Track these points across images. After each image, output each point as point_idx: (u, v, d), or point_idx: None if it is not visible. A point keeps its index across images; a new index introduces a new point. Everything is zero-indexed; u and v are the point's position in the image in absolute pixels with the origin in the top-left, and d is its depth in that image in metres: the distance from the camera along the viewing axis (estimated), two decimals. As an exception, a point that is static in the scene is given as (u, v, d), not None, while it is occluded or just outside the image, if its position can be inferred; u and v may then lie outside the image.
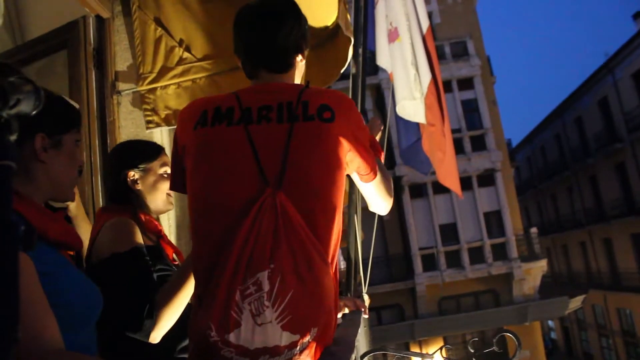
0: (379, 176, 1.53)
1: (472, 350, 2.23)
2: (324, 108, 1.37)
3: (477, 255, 17.89)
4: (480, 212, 18.09)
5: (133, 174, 1.90)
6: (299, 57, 1.54)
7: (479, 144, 18.66)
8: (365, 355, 2.29)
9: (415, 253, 18.04)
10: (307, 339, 1.20)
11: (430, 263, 17.91)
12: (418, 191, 18.47)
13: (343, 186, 1.37)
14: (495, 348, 2.31)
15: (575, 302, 19.36)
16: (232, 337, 1.20)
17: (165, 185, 1.93)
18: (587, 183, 28.18)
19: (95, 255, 1.72)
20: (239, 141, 1.34)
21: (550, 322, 34.92)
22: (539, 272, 18.16)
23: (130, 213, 1.82)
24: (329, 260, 1.29)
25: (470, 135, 18.68)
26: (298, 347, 1.20)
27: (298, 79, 1.58)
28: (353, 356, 1.41)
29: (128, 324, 1.53)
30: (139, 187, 1.91)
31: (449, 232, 18.04)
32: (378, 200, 1.63)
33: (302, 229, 1.24)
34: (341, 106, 1.40)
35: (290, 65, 1.52)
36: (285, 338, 1.19)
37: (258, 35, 1.48)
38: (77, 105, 1.47)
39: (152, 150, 1.99)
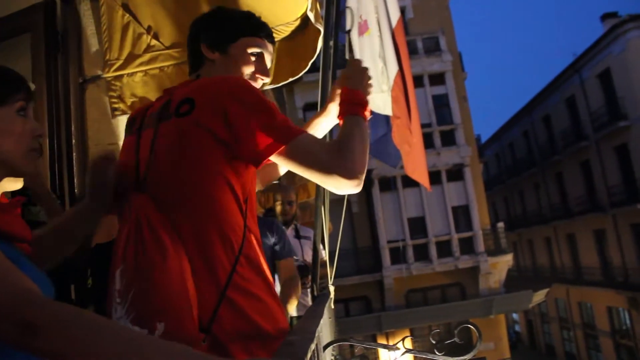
0: (288, 152, 1.35)
1: (433, 342, 2.27)
2: (183, 102, 1.39)
3: (444, 248, 18.12)
4: (449, 207, 18.31)
5: None
6: (210, 50, 1.59)
7: (448, 139, 18.86)
8: (329, 346, 2.31)
9: (384, 246, 18.18)
10: (156, 332, 1.19)
11: (398, 256, 18.07)
12: (387, 184, 18.59)
13: (222, 175, 1.34)
14: (456, 339, 2.35)
15: (539, 296, 19.77)
16: None
17: None
18: (554, 180, 28.75)
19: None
20: (130, 149, 1.47)
21: (514, 315, 35.61)
22: (505, 266, 18.48)
23: None
24: (209, 248, 1.30)
25: (441, 130, 18.86)
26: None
27: (234, 72, 1.59)
28: (313, 345, 1.41)
29: None
30: None
31: (418, 226, 18.22)
32: (312, 177, 1.39)
33: (150, 229, 1.28)
34: (204, 95, 1.38)
35: (197, 60, 1.62)
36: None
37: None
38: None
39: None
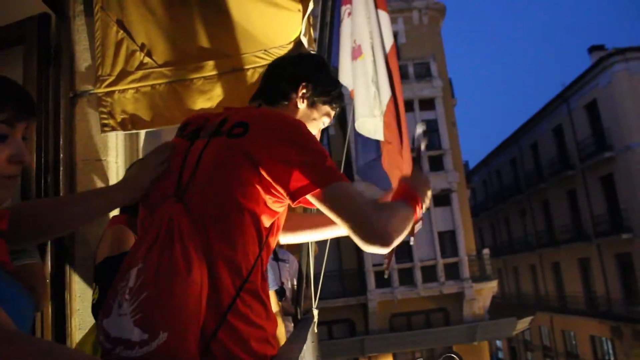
0: (322, 198, 1.37)
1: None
2: (238, 125, 1.43)
3: (429, 273, 18.10)
4: (435, 232, 18.33)
5: None
6: (302, 99, 1.66)
7: (437, 164, 18.96)
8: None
9: (369, 269, 18.13)
10: (156, 341, 1.19)
11: (383, 280, 18.01)
12: (375, 207, 18.54)
13: (252, 204, 1.36)
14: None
15: (523, 323, 19.77)
16: (104, 322, 1.27)
17: None
18: (540, 207, 28.96)
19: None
20: (179, 153, 1.51)
21: (498, 342, 35.53)
22: (490, 293, 18.49)
23: (129, 222, 2.03)
24: (220, 270, 1.31)
25: (429, 155, 18.96)
26: (149, 347, 1.19)
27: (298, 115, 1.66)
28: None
29: None
30: None
31: (403, 250, 18.19)
32: (346, 224, 1.37)
33: (181, 239, 1.29)
34: (259, 123, 1.42)
35: (276, 95, 1.67)
36: (136, 334, 1.20)
37: None
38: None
39: None
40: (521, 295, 32.22)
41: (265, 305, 1.40)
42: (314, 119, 1.68)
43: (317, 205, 1.39)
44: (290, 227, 1.81)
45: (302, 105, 1.65)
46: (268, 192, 1.37)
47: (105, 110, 2.78)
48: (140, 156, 3.01)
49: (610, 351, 23.28)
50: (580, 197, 24.70)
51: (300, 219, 1.88)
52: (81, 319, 2.64)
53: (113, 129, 2.78)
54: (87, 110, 2.85)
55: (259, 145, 1.36)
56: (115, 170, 2.90)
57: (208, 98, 2.82)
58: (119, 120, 2.78)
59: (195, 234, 1.31)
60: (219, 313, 1.29)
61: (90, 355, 0.85)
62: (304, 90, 1.64)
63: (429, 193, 1.76)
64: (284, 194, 1.37)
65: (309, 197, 1.37)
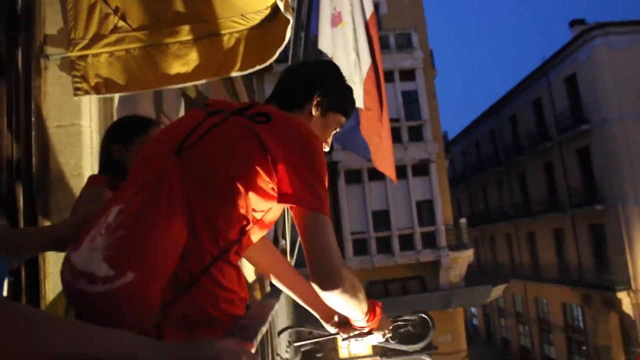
0: (311, 220, 1.42)
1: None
2: (263, 114, 1.46)
3: (407, 242, 18.32)
4: (413, 201, 18.48)
5: (117, 148, 2.10)
6: (316, 107, 1.69)
7: (416, 134, 19.01)
8: (283, 332, 2.35)
9: (347, 237, 18.27)
10: (121, 280, 1.19)
11: (361, 248, 18.19)
12: (353, 177, 18.66)
13: (246, 178, 1.38)
14: (410, 328, 2.39)
15: (497, 291, 20.18)
16: (72, 255, 1.28)
17: None
18: (517, 179, 29.32)
19: None
20: (193, 119, 1.51)
21: (473, 309, 36.32)
22: (466, 261, 18.80)
23: (111, 183, 2.01)
24: (200, 231, 1.32)
25: (409, 125, 18.99)
26: (112, 285, 1.19)
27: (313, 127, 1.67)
28: (264, 329, 1.43)
29: None
30: (122, 159, 2.09)
31: (381, 219, 18.36)
32: (308, 252, 1.43)
33: (170, 194, 1.30)
34: (282, 122, 1.46)
35: (291, 101, 1.70)
36: (103, 269, 1.20)
37: None
38: None
39: (139, 126, 2.17)
40: (497, 264, 32.84)
41: (238, 270, 1.41)
42: (327, 127, 1.72)
43: (295, 218, 1.45)
44: (275, 272, 1.86)
45: (316, 114, 1.68)
46: (265, 181, 1.39)
47: (78, 74, 2.74)
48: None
49: (580, 317, 23.98)
50: (557, 169, 25.05)
51: (287, 276, 1.89)
52: (55, 282, 2.64)
53: (86, 92, 2.75)
54: (59, 74, 2.81)
55: (277, 138, 1.40)
56: (89, 134, 2.88)
57: (184, 63, 2.80)
58: (92, 84, 2.75)
59: (184, 190, 1.33)
60: (191, 272, 1.30)
61: (122, 332, 0.86)
62: (319, 99, 1.67)
63: (386, 332, 1.85)
64: (275, 190, 1.41)
65: (292, 209, 1.44)
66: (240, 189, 1.36)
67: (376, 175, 17.22)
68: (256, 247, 1.66)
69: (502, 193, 31.55)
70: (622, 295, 20.29)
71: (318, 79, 1.70)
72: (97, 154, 2.82)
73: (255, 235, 1.48)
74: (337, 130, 1.78)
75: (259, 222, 1.46)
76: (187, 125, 1.49)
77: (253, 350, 1.12)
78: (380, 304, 1.81)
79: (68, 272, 1.27)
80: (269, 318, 1.60)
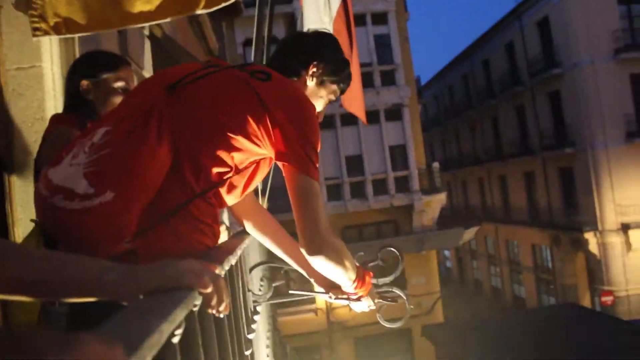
0: (299, 181, 1.47)
1: (357, 264, 2.34)
2: (263, 72, 1.49)
3: (380, 186, 18.48)
4: (386, 146, 18.54)
5: (86, 84, 1.98)
6: (312, 76, 1.71)
7: (388, 79, 18.91)
8: (254, 268, 2.39)
9: (321, 183, 18.33)
10: (100, 198, 1.20)
11: (335, 193, 18.31)
12: (326, 122, 18.56)
13: (235, 126, 1.39)
14: (380, 262, 2.43)
15: (469, 234, 20.64)
16: (50, 171, 1.28)
17: (117, 100, 1.97)
18: (489, 123, 29.56)
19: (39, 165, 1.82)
20: (188, 68, 1.52)
21: (446, 252, 37.19)
22: (438, 205, 19.10)
23: (78, 123, 1.90)
24: (184, 164, 1.34)
25: (381, 70, 18.86)
26: (90, 202, 1.20)
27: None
28: (233, 260, 1.46)
29: None
30: (91, 97, 1.98)
31: (355, 164, 18.43)
32: (297, 211, 1.49)
33: (158, 124, 1.31)
34: (283, 84, 1.49)
35: (286, 68, 1.70)
36: (82, 186, 1.20)
37: None
38: None
39: (110, 62, 2.05)
40: (469, 208, 33.45)
41: (214, 211, 1.45)
42: (321, 97, 1.74)
43: (287, 180, 1.48)
44: (259, 223, 1.89)
45: (311, 83, 1.71)
46: (256, 135, 1.41)
47: (35, 14, 2.64)
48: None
49: (549, 258, 24.75)
50: (528, 112, 25.28)
51: (270, 227, 1.92)
52: (25, 228, 2.63)
53: (46, 33, 2.65)
54: (15, 13, 2.71)
55: (276, 98, 1.43)
56: (51, 77, 2.81)
57: (146, 1, 2.71)
58: (51, 24, 2.65)
59: (172, 124, 1.34)
60: (170, 203, 1.32)
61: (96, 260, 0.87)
62: (315, 69, 1.69)
63: (374, 300, 1.90)
64: (269, 148, 1.44)
65: (284, 169, 1.48)
66: (228, 135, 1.37)
67: (349, 120, 17.21)
68: (253, 211, 1.80)
69: (474, 137, 31.83)
70: (589, 236, 20.91)
71: (316, 48, 1.73)
72: (60, 97, 2.75)
73: (236, 190, 1.50)
74: (332, 100, 1.81)
75: (241, 174, 1.47)
76: (184, 69, 1.50)
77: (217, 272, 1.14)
78: (371, 274, 1.88)
79: (44, 188, 1.25)
80: (239, 251, 1.63)
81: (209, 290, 0.84)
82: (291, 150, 1.43)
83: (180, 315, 0.74)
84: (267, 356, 3.49)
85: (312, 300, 17.94)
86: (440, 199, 19.00)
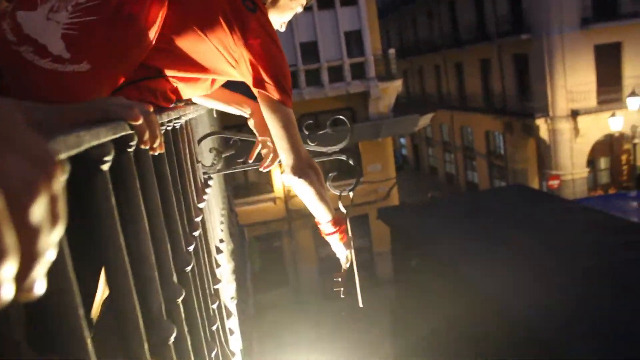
0: (269, 102, 1.56)
1: (306, 132, 2.38)
2: (251, 2, 1.51)
3: (336, 74, 18.25)
4: (341, 31, 18.10)
5: None
6: None
7: (343, -40, 18.14)
8: (203, 139, 2.41)
9: (276, 71, 18.01)
10: (74, 66, 1.15)
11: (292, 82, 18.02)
12: (281, 7, 17.93)
13: (210, 39, 1.43)
14: (328, 130, 2.47)
15: (425, 120, 20.93)
16: (20, 14, 1.16)
17: None
18: (446, 9, 29.06)
19: None
20: None
21: (402, 140, 37.87)
22: (394, 92, 19.10)
23: None
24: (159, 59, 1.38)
25: (337, -50, 18.05)
26: (63, 67, 1.14)
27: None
28: (180, 122, 1.45)
29: None
30: None
31: (310, 51, 18.06)
32: (279, 140, 1.60)
33: (149, 6, 1.28)
34: (263, 20, 1.52)
35: None
36: (58, 47, 1.14)
37: None
38: None
39: None
40: (425, 95, 33.67)
41: (174, 92, 1.52)
42: (292, 8, 1.77)
43: (266, 108, 1.56)
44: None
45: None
46: (232, 54, 1.46)
47: None
48: None
49: (501, 144, 25.52)
50: (486, -3, 24.94)
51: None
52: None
53: None
54: None
55: (258, 30, 1.47)
56: None
57: None
58: None
59: (167, 18, 1.33)
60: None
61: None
62: None
63: (350, 253, 1.91)
64: (242, 71, 1.51)
65: (261, 97, 1.55)
66: (210, 44, 1.43)
67: (304, 5, 16.59)
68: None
69: (431, 24, 31.39)
70: (540, 122, 21.46)
71: None
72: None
73: (192, 87, 1.56)
74: (299, 11, 1.84)
75: (201, 73, 1.51)
76: None
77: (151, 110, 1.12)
78: (346, 222, 1.91)
79: (10, 31, 1.14)
80: (186, 115, 1.60)
81: (139, 122, 0.83)
82: (269, 78, 1.51)
83: (104, 133, 0.71)
84: (222, 231, 3.59)
85: (271, 189, 18.27)
86: (397, 85, 18.98)
